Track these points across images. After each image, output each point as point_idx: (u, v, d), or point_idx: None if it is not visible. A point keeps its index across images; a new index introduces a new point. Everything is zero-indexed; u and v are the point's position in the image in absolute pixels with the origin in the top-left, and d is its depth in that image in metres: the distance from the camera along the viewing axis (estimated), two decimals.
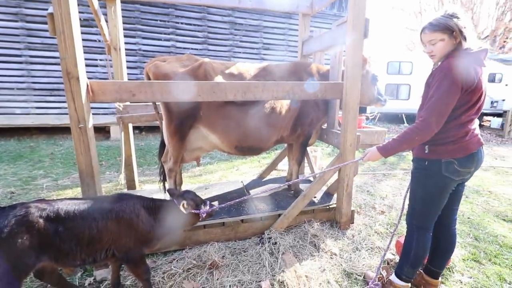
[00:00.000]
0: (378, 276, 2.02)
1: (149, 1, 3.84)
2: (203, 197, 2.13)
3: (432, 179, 1.73)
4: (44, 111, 7.39)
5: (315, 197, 3.07)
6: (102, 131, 7.98)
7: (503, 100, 11.62)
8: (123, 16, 3.62)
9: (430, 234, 1.87)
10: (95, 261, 1.65)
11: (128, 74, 3.96)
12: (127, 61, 3.80)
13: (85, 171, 1.99)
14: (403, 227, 2.88)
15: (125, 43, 4.06)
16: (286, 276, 2.14)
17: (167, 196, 2.81)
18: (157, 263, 2.28)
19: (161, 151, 2.98)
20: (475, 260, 2.45)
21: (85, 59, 2.02)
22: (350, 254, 2.47)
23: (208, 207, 1.97)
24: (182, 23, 8.19)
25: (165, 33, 8.07)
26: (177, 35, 8.19)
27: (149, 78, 2.50)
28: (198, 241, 2.50)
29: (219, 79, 2.51)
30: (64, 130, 7.54)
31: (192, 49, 8.33)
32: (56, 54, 6.90)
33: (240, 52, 8.92)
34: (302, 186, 3.37)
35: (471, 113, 1.62)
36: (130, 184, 3.63)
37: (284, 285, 2.06)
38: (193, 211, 1.89)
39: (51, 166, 5.03)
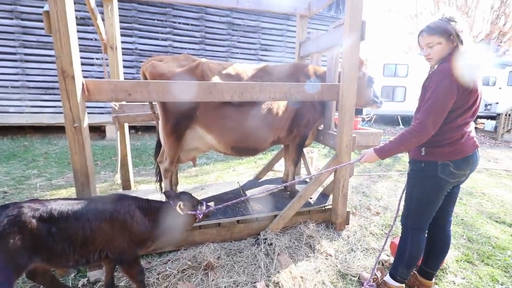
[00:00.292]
0: (373, 277, 2.03)
1: (147, 0, 3.84)
2: (199, 198, 2.12)
3: (428, 181, 1.75)
4: (38, 109, 7.31)
5: (311, 198, 3.08)
6: (97, 130, 7.92)
7: (497, 103, 11.78)
8: (120, 15, 3.59)
9: (424, 235, 1.89)
10: (89, 262, 1.63)
11: (124, 73, 3.94)
12: (123, 60, 3.78)
13: (79, 170, 1.97)
14: (397, 228, 2.90)
15: (122, 42, 4.03)
16: (282, 277, 2.14)
17: (163, 197, 2.80)
18: (152, 264, 2.27)
19: (157, 151, 2.97)
20: (468, 261, 2.48)
21: (81, 57, 2.01)
22: (345, 255, 2.48)
23: (204, 208, 1.96)
24: (179, 23, 8.16)
25: (162, 33, 8.04)
26: (174, 34, 8.16)
27: (145, 78, 2.48)
28: (194, 241, 2.49)
29: (216, 79, 2.51)
30: (58, 129, 7.46)
31: (189, 49, 8.31)
32: (51, 52, 6.83)
33: (237, 53, 8.92)
34: (298, 187, 3.38)
35: (467, 116, 1.64)
36: (126, 184, 3.60)
37: (279, 286, 2.06)
38: (189, 212, 1.88)
39: (45, 166, 4.98)
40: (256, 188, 3.44)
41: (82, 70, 1.95)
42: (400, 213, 2.00)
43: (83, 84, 1.92)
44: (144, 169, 5.04)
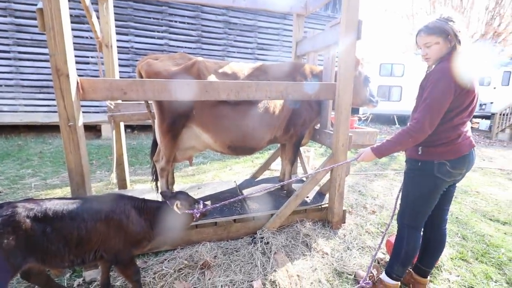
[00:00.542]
0: (369, 275, 2.05)
1: None
2: (196, 197, 2.12)
3: (424, 180, 1.76)
4: (33, 108, 7.23)
5: (307, 197, 3.09)
6: (93, 129, 7.86)
7: (491, 102, 11.91)
8: (115, 13, 3.57)
9: (420, 234, 1.90)
10: (84, 263, 1.62)
11: (120, 72, 3.91)
12: (119, 59, 3.76)
13: (74, 170, 1.95)
14: (393, 227, 2.92)
15: (118, 40, 4.01)
16: (278, 275, 2.14)
17: (159, 196, 2.79)
18: (148, 263, 2.26)
19: (153, 150, 2.95)
20: (462, 259, 2.50)
21: (76, 56, 1.99)
22: (341, 254, 2.49)
23: (201, 206, 1.95)
24: (175, 21, 8.13)
25: (158, 31, 8.00)
26: (170, 33, 8.12)
27: (141, 76, 2.47)
28: (190, 241, 2.49)
29: (212, 78, 2.50)
30: (53, 128, 7.40)
31: (185, 47, 8.27)
32: (45, 50, 6.77)
33: (234, 52, 8.90)
34: (294, 186, 3.38)
35: (463, 116, 1.65)
36: (122, 183, 3.58)
37: (276, 285, 2.06)
38: (187, 211, 1.87)
39: (40, 165, 4.93)
40: (253, 187, 3.44)
41: (77, 69, 1.94)
42: (397, 211, 2.01)
43: (77, 83, 1.90)
44: (140, 168, 5.02)
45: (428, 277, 2.07)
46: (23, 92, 7.11)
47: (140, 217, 1.77)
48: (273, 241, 2.53)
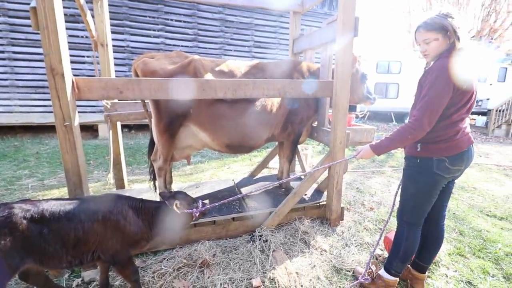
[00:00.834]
0: (367, 271, 2.06)
1: None
2: (194, 196, 2.12)
3: (423, 177, 1.76)
4: (28, 109, 7.18)
5: (305, 194, 3.09)
6: (90, 129, 7.81)
7: (488, 99, 11.98)
8: (110, 12, 3.54)
9: (419, 230, 1.91)
10: (82, 263, 1.61)
11: (116, 71, 3.89)
12: (115, 58, 3.73)
13: (71, 170, 1.94)
14: (391, 223, 2.93)
15: (113, 39, 3.98)
16: (277, 273, 2.15)
17: (157, 196, 2.78)
18: (147, 262, 2.25)
19: (151, 149, 2.94)
20: (460, 254, 2.52)
21: (72, 55, 1.97)
22: (340, 250, 2.50)
23: (200, 205, 1.95)
24: (171, 19, 8.08)
25: (154, 30, 7.95)
26: (166, 31, 8.07)
27: (137, 75, 2.45)
28: (189, 239, 2.48)
29: (209, 76, 2.49)
30: (49, 129, 7.34)
31: (182, 46, 8.23)
32: (40, 50, 6.70)
33: (231, 50, 8.88)
34: (292, 183, 3.39)
35: (462, 112, 1.65)
36: (119, 183, 3.57)
37: (275, 282, 2.07)
38: (186, 210, 1.87)
39: (37, 166, 4.90)
40: (251, 186, 3.44)
41: (73, 68, 1.92)
42: (395, 208, 2.02)
43: (73, 82, 1.88)
44: (138, 168, 5.00)
45: (426, 272, 2.08)
46: (18, 93, 7.05)
47: (137, 217, 1.76)
48: (271, 239, 2.53)
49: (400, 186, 1.97)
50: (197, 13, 8.28)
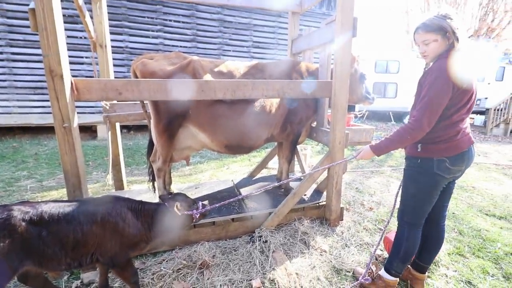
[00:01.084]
0: (368, 271, 2.06)
1: None
2: (194, 197, 2.11)
3: (424, 177, 1.76)
4: (27, 110, 7.15)
5: (305, 195, 3.09)
6: (89, 130, 7.80)
7: (486, 98, 12.01)
8: (109, 13, 3.53)
9: (420, 231, 1.90)
10: (81, 265, 1.61)
11: (115, 72, 3.88)
12: (114, 59, 3.73)
13: (70, 171, 1.93)
14: (391, 224, 2.94)
15: (112, 40, 3.97)
16: (277, 274, 2.15)
17: (156, 197, 2.78)
18: (147, 264, 2.25)
19: (150, 150, 2.93)
20: (459, 254, 2.53)
21: (70, 56, 1.97)
22: (340, 251, 2.50)
23: (200, 207, 1.94)
24: (170, 20, 8.07)
25: (153, 30, 7.94)
26: (165, 32, 8.06)
27: (136, 76, 2.45)
28: (188, 241, 2.48)
29: (208, 77, 2.48)
30: (48, 130, 7.32)
31: (181, 47, 8.22)
32: (39, 51, 6.67)
33: (229, 50, 8.87)
34: (292, 184, 3.39)
35: (462, 113, 1.65)
36: (118, 184, 3.56)
37: (275, 283, 2.07)
38: (187, 212, 1.86)
39: (35, 167, 4.88)
40: (251, 186, 3.44)
41: (71, 69, 1.92)
42: (396, 208, 2.02)
43: (72, 83, 1.88)
44: (137, 169, 4.99)
45: (426, 272, 2.08)
46: (17, 94, 7.03)
47: (137, 219, 1.75)
48: (271, 239, 2.53)
49: (401, 187, 1.97)
50: (196, 14, 8.28)
